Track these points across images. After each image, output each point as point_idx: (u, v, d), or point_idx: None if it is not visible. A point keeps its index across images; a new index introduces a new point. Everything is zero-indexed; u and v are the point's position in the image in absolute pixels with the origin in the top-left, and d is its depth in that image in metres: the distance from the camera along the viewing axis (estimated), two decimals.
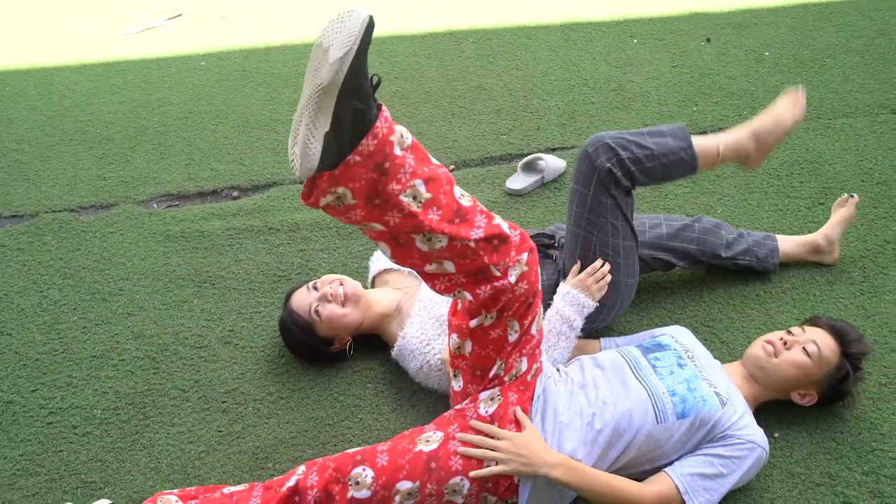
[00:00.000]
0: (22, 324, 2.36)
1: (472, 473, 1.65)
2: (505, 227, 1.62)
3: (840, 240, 2.46)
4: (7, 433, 2.03)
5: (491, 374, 1.77)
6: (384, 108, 1.43)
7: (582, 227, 2.06)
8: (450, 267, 1.59)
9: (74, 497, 1.88)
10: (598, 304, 2.03)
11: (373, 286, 2.36)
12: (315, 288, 2.13)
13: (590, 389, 1.82)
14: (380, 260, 2.36)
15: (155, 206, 2.90)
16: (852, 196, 2.44)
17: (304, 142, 1.36)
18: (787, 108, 2.11)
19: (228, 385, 2.16)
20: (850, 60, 3.69)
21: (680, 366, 1.88)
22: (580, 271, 2.06)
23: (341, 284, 2.12)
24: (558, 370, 1.91)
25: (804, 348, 1.91)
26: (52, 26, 4.36)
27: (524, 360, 1.77)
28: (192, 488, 1.75)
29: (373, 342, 2.24)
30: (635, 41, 3.96)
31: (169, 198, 2.94)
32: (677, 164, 2.04)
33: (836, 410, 2.01)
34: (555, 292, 2.09)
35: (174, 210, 2.85)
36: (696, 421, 1.77)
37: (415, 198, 1.49)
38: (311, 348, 2.17)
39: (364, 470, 1.64)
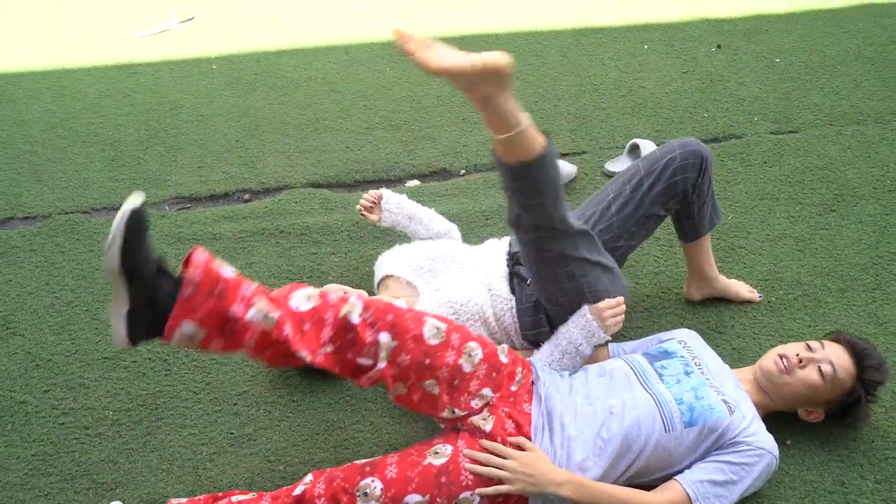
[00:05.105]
0: (34, 324, 2.37)
1: (478, 490, 1.65)
2: (331, 315, 1.62)
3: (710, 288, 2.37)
4: (20, 433, 2.04)
5: (445, 416, 1.75)
6: (196, 251, 1.53)
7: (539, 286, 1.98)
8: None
9: (86, 498, 1.88)
10: (610, 339, 1.99)
11: (377, 289, 2.36)
12: None
13: (596, 399, 1.80)
14: (383, 265, 2.35)
15: (166, 208, 2.91)
16: (760, 295, 2.41)
17: (113, 321, 1.52)
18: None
19: (240, 387, 2.16)
20: (862, 67, 3.69)
21: (687, 373, 1.87)
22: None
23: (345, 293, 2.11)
24: (561, 377, 1.90)
25: (819, 367, 1.87)
26: (64, 29, 4.38)
27: (485, 389, 1.75)
28: (201, 497, 1.75)
29: None
30: (646, 47, 3.96)
31: (180, 200, 2.95)
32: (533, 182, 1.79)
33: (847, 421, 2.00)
34: (533, 317, 2.05)
35: (185, 213, 2.86)
36: (705, 429, 1.76)
37: (266, 316, 1.54)
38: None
39: (373, 481, 1.63)
